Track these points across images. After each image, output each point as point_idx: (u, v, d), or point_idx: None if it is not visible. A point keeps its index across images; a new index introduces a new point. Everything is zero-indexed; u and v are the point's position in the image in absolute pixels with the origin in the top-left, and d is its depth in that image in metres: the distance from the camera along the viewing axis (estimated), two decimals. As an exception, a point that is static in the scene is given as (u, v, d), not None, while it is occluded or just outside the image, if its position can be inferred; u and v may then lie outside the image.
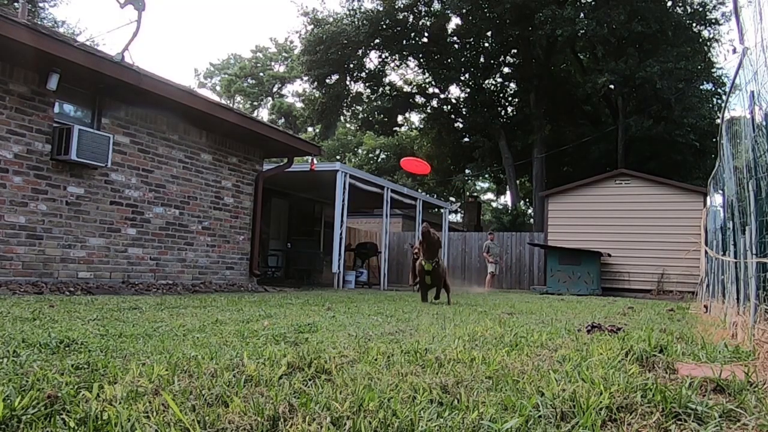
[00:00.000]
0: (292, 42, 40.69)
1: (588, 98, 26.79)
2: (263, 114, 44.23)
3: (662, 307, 7.53)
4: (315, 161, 12.29)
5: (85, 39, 10.59)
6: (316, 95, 29.00)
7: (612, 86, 22.25)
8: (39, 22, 15.85)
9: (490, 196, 45.37)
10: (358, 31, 24.59)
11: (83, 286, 6.90)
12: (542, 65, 25.71)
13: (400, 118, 31.81)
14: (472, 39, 26.17)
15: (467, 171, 32.33)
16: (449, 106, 28.79)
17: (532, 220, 26.89)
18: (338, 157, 40.37)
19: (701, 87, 23.78)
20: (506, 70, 28.25)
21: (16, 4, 20.72)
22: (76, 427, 1.32)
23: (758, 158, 3.09)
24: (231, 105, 29.09)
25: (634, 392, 1.71)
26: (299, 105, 40.30)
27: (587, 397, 1.63)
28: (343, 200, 11.98)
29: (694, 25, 23.69)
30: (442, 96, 28.49)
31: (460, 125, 29.24)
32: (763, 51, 2.88)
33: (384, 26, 24.95)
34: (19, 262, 6.62)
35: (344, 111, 29.73)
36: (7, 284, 6.19)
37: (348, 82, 27.60)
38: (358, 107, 29.06)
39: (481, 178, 38.56)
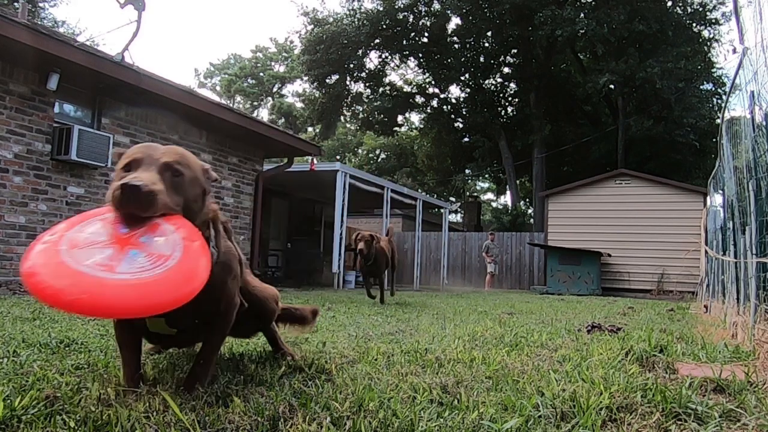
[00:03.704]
0: (292, 42, 40.67)
1: (588, 98, 26.79)
2: (263, 114, 44.24)
3: (662, 307, 7.53)
4: (315, 161, 12.28)
5: (85, 39, 10.59)
6: (316, 95, 29.01)
7: (612, 86, 22.26)
8: (39, 22, 15.85)
9: (490, 196, 45.36)
10: (358, 31, 24.59)
11: (83, 286, 6.90)
12: (542, 65, 25.70)
13: (400, 118, 31.81)
14: (472, 39, 26.17)
15: (467, 171, 32.32)
16: (449, 106, 28.78)
17: (532, 220, 26.88)
18: (338, 157, 40.38)
19: (701, 87, 23.78)
20: (506, 70, 28.25)
21: (16, 4, 20.72)
22: (76, 427, 1.32)
23: (758, 158, 3.09)
24: (231, 105, 29.10)
25: (634, 392, 1.71)
26: (299, 105, 40.32)
27: (587, 397, 1.63)
28: (343, 200, 11.98)
29: (694, 25, 23.69)
30: (442, 96, 28.49)
31: (460, 125, 29.23)
32: (763, 51, 2.88)
33: (384, 26, 24.95)
34: (19, 262, 6.62)
35: (344, 111, 29.74)
36: (7, 284, 6.19)
37: (348, 82, 27.60)
38: (358, 107, 29.06)
39: (481, 178, 38.56)
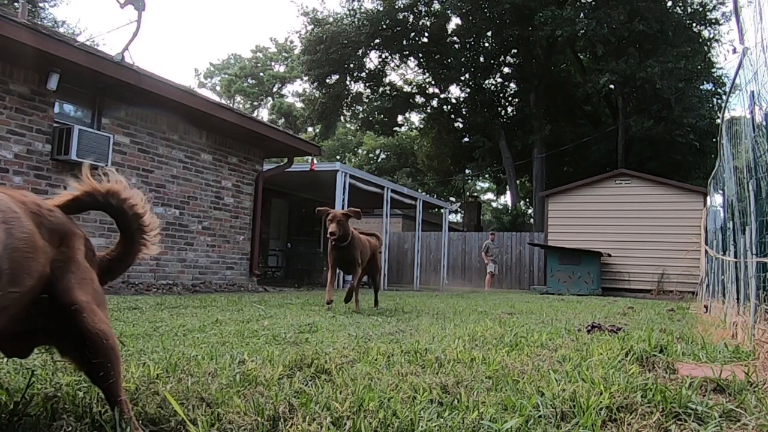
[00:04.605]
0: (292, 42, 40.66)
1: (588, 98, 26.78)
2: (263, 114, 44.23)
3: (662, 307, 7.53)
4: (315, 161, 12.28)
5: (85, 39, 10.59)
6: (316, 95, 29.01)
7: (612, 86, 22.26)
8: (39, 22, 15.85)
9: (490, 196, 45.36)
10: (359, 31, 24.59)
11: (83, 286, 6.89)
12: (542, 65, 25.70)
13: (400, 118, 31.81)
14: (472, 39, 26.17)
15: (467, 171, 32.32)
16: (449, 106, 28.79)
17: (532, 220, 26.87)
18: (338, 157, 40.37)
19: (701, 87, 23.78)
20: (506, 70, 28.26)
21: (16, 4, 20.72)
22: (76, 427, 1.32)
23: (758, 158, 3.09)
24: (231, 105, 29.09)
25: (634, 392, 1.71)
26: (299, 105, 40.30)
27: (587, 397, 1.63)
28: (343, 200, 11.98)
29: (694, 25, 23.69)
30: (442, 96, 28.50)
31: (460, 125, 29.24)
32: (763, 51, 2.88)
33: (384, 26, 24.95)
34: (19, 262, 6.61)
35: (344, 111, 29.74)
36: (7, 284, 6.18)
37: (348, 82, 27.60)
38: (358, 107, 29.06)
39: (481, 178, 38.56)
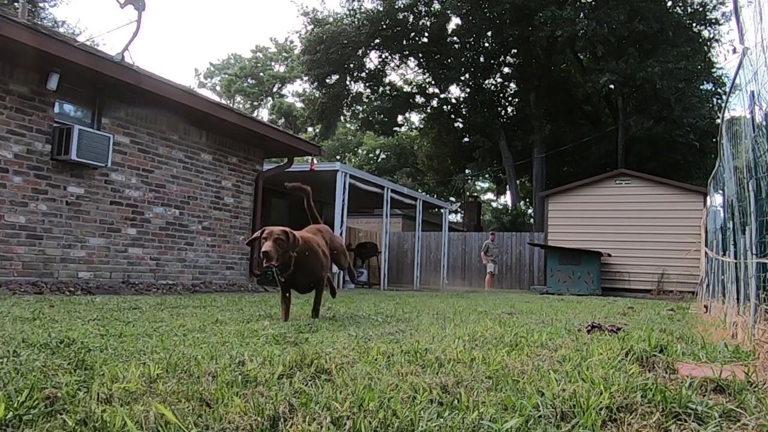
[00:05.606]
0: (292, 42, 40.70)
1: (588, 98, 26.79)
2: (263, 114, 44.24)
3: (662, 307, 7.53)
4: (315, 161, 12.28)
5: (85, 39, 10.59)
6: (316, 95, 29.02)
7: (612, 86, 22.27)
8: (39, 22, 15.84)
9: (490, 196, 45.37)
10: (359, 31, 24.60)
11: (83, 286, 6.90)
12: (542, 65, 25.71)
13: (400, 118, 31.81)
14: (472, 39, 26.18)
15: (467, 171, 32.33)
16: (449, 106, 28.80)
17: (532, 220, 26.89)
18: (338, 157, 40.38)
19: (701, 87, 23.79)
20: (506, 70, 28.27)
21: (16, 4, 20.71)
22: (75, 427, 1.32)
23: (758, 158, 3.09)
24: (231, 105, 29.09)
25: (634, 392, 1.71)
26: (299, 105, 40.31)
27: (587, 397, 1.63)
28: (343, 200, 11.98)
29: (694, 25, 23.70)
30: (442, 96, 28.50)
31: (460, 125, 29.25)
32: (763, 51, 2.88)
33: (384, 26, 24.96)
34: (19, 262, 6.62)
35: (344, 111, 29.75)
36: (7, 284, 6.18)
37: (348, 82, 27.61)
38: (358, 107, 29.07)
39: (481, 178, 38.57)
